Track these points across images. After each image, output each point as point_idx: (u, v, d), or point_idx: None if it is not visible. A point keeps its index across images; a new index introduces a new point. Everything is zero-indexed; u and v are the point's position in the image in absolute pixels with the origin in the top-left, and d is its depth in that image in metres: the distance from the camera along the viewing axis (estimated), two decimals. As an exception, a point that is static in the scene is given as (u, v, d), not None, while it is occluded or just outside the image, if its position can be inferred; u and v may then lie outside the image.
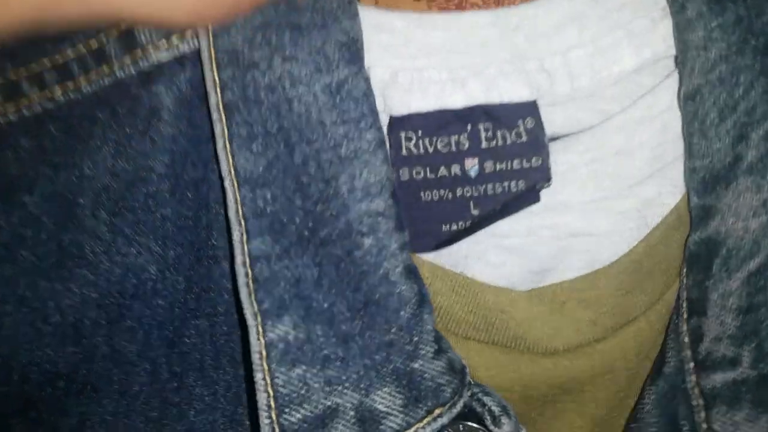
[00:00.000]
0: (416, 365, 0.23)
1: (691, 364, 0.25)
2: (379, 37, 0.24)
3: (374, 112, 0.23)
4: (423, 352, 0.23)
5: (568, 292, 0.25)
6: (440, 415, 0.23)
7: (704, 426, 0.24)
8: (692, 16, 0.23)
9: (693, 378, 0.25)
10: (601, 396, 0.26)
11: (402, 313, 0.23)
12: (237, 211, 0.22)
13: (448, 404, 0.23)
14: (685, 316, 0.25)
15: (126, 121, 0.22)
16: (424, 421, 0.22)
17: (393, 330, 0.23)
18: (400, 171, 0.24)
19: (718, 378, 0.24)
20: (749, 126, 0.23)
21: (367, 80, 0.23)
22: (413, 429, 0.22)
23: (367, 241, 0.23)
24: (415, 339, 0.23)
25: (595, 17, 0.24)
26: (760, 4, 0.23)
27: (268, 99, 0.22)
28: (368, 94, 0.23)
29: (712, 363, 0.24)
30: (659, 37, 0.24)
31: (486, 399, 0.23)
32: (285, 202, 0.22)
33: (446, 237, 0.24)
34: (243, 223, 0.22)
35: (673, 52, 0.24)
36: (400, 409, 0.22)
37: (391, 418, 0.22)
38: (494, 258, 0.25)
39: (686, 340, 0.25)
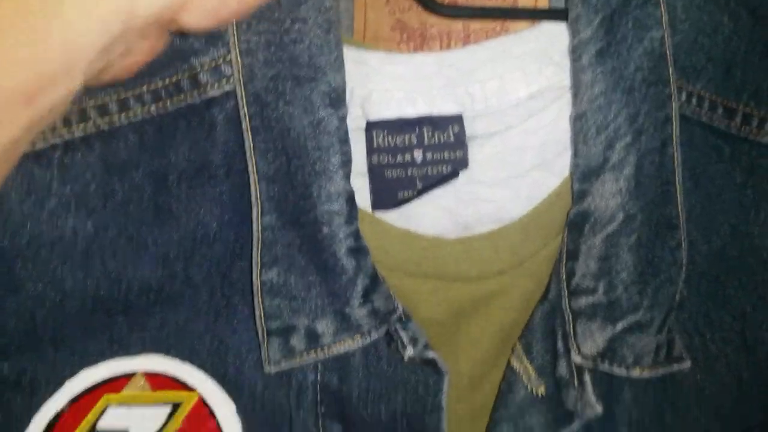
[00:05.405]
0: (347, 310, 0.33)
1: (566, 292, 0.34)
2: (359, 68, 0.35)
3: (342, 142, 0.32)
4: (353, 302, 0.33)
5: (483, 241, 0.36)
6: (357, 340, 0.33)
7: (571, 332, 0.34)
8: (585, 64, 0.33)
9: (566, 301, 0.34)
10: (505, 308, 0.37)
11: (343, 277, 0.33)
12: (257, 197, 0.32)
13: (365, 334, 0.33)
14: (564, 261, 0.35)
15: (196, 129, 0.33)
16: (347, 342, 0.33)
17: (336, 286, 0.33)
18: (372, 157, 0.36)
19: (582, 301, 0.34)
20: (615, 140, 0.33)
21: (341, 119, 0.32)
22: (339, 344, 0.33)
23: (326, 230, 0.32)
24: (348, 294, 0.33)
25: (504, 61, 0.35)
26: (627, 60, 0.33)
27: (276, 127, 0.32)
28: (340, 128, 0.32)
29: (579, 291, 0.34)
30: (545, 77, 0.35)
31: (402, 332, 0.34)
32: (284, 193, 0.32)
33: (400, 201, 0.37)
34: (260, 203, 0.32)
35: (554, 87, 0.35)
36: (332, 333, 0.33)
37: (325, 337, 0.33)
38: (431, 214, 0.37)
39: (564, 276, 0.35)
